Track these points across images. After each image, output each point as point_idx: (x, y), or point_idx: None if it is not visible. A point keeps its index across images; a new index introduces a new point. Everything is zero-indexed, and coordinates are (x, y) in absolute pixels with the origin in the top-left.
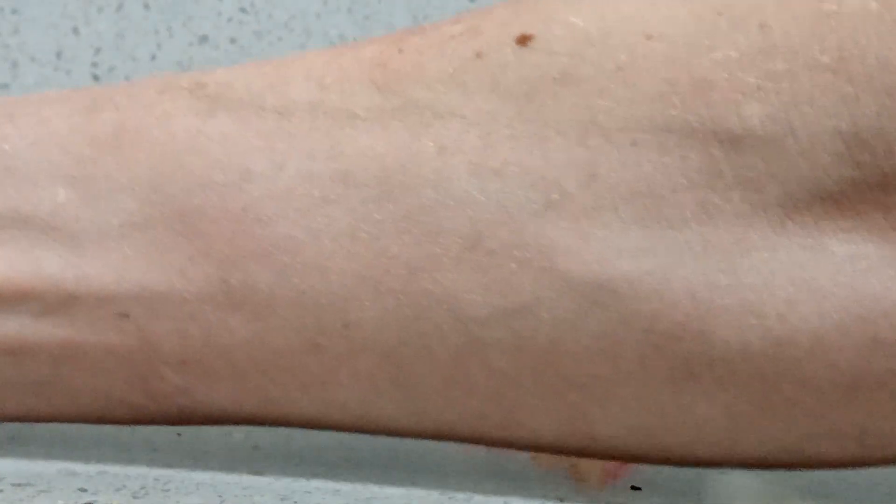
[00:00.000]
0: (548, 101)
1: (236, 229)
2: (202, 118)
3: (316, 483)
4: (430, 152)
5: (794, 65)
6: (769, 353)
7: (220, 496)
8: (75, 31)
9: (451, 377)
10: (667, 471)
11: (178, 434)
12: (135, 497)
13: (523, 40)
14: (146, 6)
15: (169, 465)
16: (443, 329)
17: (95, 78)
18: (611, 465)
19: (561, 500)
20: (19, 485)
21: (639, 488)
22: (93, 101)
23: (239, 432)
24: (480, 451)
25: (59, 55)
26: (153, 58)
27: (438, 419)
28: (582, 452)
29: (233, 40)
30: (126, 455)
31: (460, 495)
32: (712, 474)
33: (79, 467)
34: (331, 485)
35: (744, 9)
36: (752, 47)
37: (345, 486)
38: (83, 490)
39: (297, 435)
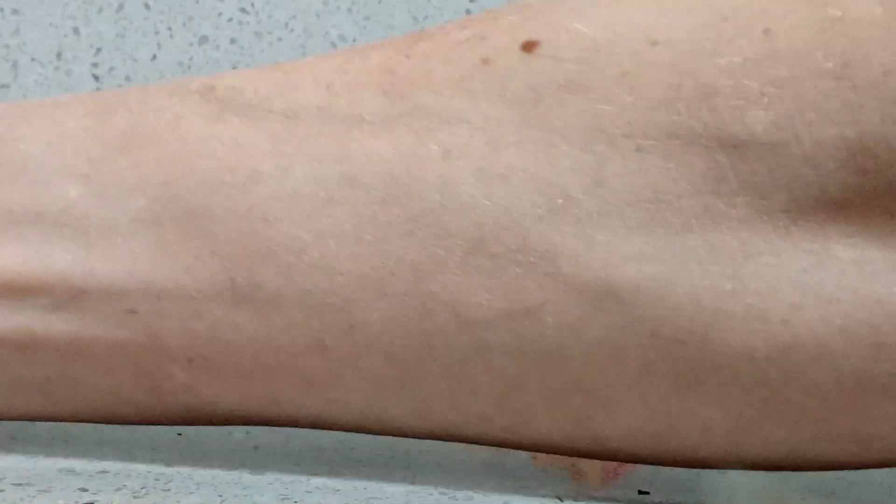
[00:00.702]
0: (554, 107)
1: (242, 229)
2: (211, 121)
3: (316, 482)
4: (436, 157)
5: (798, 71)
6: (774, 358)
7: (220, 496)
8: (76, 31)
9: (455, 379)
10: (666, 470)
11: (179, 434)
12: (135, 497)
13: (529, 47)
14: (147, 6)
15: (169, 465)
16: (447, 332)
17: (96, 78)
18: (611, 463)
19: (561, 499)
20: (20, 484)
21: (646, 492)
22: (106, 104)
23: (239, 432)
24: (481, 450)
25: (59, 55)
26: (153, 58)
27: (444, 421)
28: (589, 454)
29: (233, 40)
30: (126, 454)
31: (460, 494)
32: (712, 473)
33: (79, 467)
34: (331, 484)
35: (749, 14)
36: (757, 53)
37: (345, 486)
38: (83, 490)
39: (297, 435)
